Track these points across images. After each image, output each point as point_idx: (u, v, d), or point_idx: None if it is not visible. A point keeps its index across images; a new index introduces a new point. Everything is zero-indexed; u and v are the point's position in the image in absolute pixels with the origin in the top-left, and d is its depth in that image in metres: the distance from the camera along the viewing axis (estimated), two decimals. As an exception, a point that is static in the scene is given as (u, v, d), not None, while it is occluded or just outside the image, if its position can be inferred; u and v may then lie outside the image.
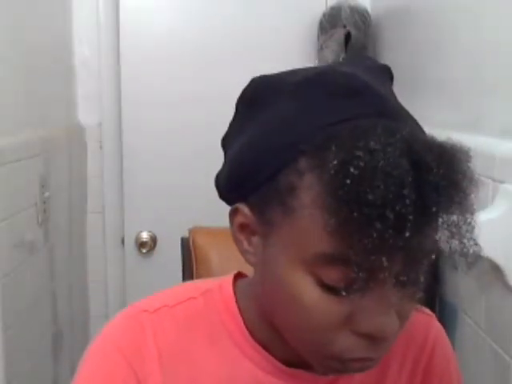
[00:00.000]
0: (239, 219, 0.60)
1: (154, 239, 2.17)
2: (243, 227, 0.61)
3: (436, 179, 0.49)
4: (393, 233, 0.48)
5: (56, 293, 1.87)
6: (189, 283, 0.80)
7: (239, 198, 0.60)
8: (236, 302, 0.67)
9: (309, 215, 0.52)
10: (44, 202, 1.72)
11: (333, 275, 0.52)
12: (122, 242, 2.20)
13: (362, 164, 0.48)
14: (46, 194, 1.74)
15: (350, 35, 1.85)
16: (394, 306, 0.54)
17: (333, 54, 1.83)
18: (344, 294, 0.52)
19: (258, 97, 0.59)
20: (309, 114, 0.54)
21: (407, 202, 0.47)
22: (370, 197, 0.47)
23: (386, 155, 0.49)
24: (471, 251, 0.54)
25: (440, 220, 0.51)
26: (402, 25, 1.68)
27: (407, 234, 0.48)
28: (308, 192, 0.52)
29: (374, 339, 0.54)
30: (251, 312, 0.66)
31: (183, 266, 1.35)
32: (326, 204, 0.50)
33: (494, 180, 0.97)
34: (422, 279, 0.53)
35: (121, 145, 2.12)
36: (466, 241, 0.54)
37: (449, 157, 0.51)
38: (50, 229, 1.80)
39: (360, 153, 0.49)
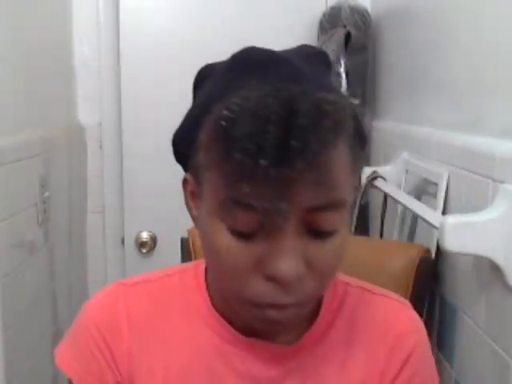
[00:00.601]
0: (189, 187, 0.66)
1: (153, 239, 2.17)
2: (193, 194, 0.66)
3: (305, 122, 0.53)
4: (255, 163, 0.52)
5: (56, 293, 1.87)
6: (178, 265, 0.84)
7: (186, 169, 0.67)
8: (205, 278, 0.73)
9: (213, 167, 0.58)
10: (44, 202, 1.73)
11: (234, 220, 0.57)
12: (122, 242, 2.20)
13: (235, 108, 0.54)
14: (46, 194, 1.74)
15: (350, 35, 1.85)
16: (294, 249, 0.56)
17: (333, 54, 1.82)
18: (241, 236, 0.57)
19: (200, 80, 0.69)
20: (225, 88, 0.61)
21: (268, 136, 0.52)
22: (236, 132, 0.53)
23: (259, 100, 0.54)
24: (330, 194, 0.57)
25: (309, 160, 0.53)
26: (402, 25, 1.68)
27: (266, 164, 0.52)
28: (212, 146, 0.58)
29: (280, 283, 0.57)
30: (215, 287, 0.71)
31: (183, 266, 1.35)
32: (213, 149, 0.57)
33: (494, 180, 0.97)
34: (312, 219, 0.56)
35: (121, 145, 2.13)
36: (326, 185, 0.56)
37: (325, 106, 0.55)
38: (50, 229, 1.80)
39: (237, 100, 0.55)
